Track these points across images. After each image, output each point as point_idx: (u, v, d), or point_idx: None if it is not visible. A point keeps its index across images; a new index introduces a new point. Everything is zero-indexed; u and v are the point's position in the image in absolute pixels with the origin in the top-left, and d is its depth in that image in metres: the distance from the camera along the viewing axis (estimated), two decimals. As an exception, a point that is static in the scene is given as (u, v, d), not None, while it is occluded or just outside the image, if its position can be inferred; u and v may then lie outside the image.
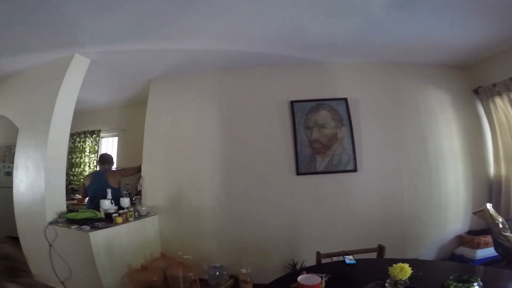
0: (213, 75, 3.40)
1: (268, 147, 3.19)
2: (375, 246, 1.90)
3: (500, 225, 2.09)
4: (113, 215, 2.78)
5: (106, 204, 2.91)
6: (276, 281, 1.49)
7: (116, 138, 4.93)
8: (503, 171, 3.09)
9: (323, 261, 1.79)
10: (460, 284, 1.09)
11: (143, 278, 2.52)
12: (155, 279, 2.55)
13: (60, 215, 2.69)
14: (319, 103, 3.20)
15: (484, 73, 3.28)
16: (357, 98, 3.22)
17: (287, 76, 3.30)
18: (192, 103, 3.43)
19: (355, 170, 3.09)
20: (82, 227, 2.50)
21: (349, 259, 1.64)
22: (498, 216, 2.14)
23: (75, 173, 4.99)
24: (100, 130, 4.92)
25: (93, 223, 2.57)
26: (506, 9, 2.20)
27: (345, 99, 3.19)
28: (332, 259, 1.78)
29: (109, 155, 3.96)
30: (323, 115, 3.18)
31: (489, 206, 2.19)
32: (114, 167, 3.84)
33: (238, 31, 2.50)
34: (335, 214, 3.06)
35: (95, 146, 4.90)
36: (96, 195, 3.30)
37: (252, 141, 3.22)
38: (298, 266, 2.89)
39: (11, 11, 2.01)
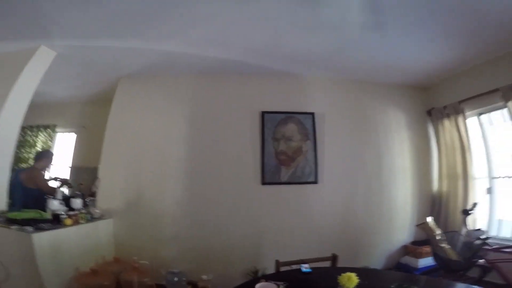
0: (186, 79, 3.36)
1: (237, 156, 3.21)
2: (330, 254, 2.00)
3: (438, 237, 2.31)
4: (62, 216, 2.59)
5: (55, 205, 2.70)
6: (236, 288, 1.49)
7: (74, 135, 4.59)
8: (444, 188, 3.43)
9: (282, 269, 1.83)
10: (400, 292, 1.20)
11: (93, 282, 2.38)
12: (106, 283, 2.41)
13: (1, 214, 2.45)
14: (288, 116, 3.30)
15: (437, 95, 3.61)
16: (324, 112, 3.38)
17: (261, 86, 3.37)
18: (161, 105, 3.35)
19: (315, 182, 3.23)
20: (25, 227, 2.29)
21: (305, 267, 1.70)
22: (437, 228, 2.37)
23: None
24: (56, 125, 4.56)
25: (38, 224, 2.38)
26: (465, 35, 2.46)
27: (313, 114, 3.34)
28: (291, 267, 1.83)
29: (46, 152, 3.61)
30: (291, 128, 3.29)
31: (429, 219, 2.42)
32: (49, 164, 3.37)
33: (217, 38, 2.52)
34: (296, 223, 3.16)
35: (48, 142, 4.53)
36: (11, 194, 2.89)
37: (220, 149, 3.22)
38: (260, 274, 2.91)
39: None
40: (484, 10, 2.10)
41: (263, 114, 3.27)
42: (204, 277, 2.36)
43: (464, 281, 2.01)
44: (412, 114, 3.67)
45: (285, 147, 3.24)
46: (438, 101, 3.56)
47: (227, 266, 3.03)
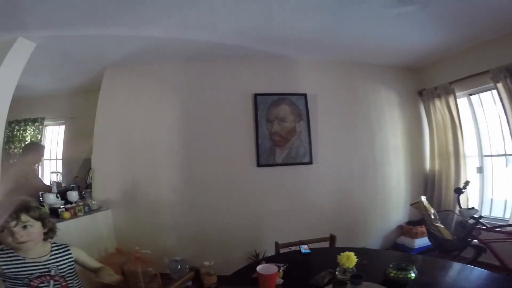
0: (175, 64, 3.28)
1: (231, 139, 3.20)
2: (327, 235, 2.05)
3: (432, 216, 2.34)
4: (59, 210, 2.58)
5: (51, 199, 2.69)
6: (238, 271, 1.53)
7: (63, 127, 4.50)
8: (436, 166, 3.51)
9: (282, 250, 1.87)
10: (399, 272, 1.24)
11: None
12: (111, 275, 2.44)
13: (-4, 211, 2.42)
14: (280, 97, 3.28)
15: (428, 76, 3.65)
16: (316, 94, 3.37)
17: (253, 69, 3.32)
18: (151, 92, 3.29)
19: (310, 162, 3.26)
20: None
21: (304, 249, 1.74)
22: (431, 207, 2.40)
23: (13, 164, 4.46)
24: (44, 118, 4.45)
25: (37, 220, 2.36)
26: (458, 18, 2.44)
27: (305, 95, 3.32)
28: (290, 248, 1.88)
29: (31, 144, 3.50)
30: (284, 109, 3.28)
31: (423, 198, 2.44)
32: (40, 157, 3.26)
33: (206, 21, 2.42)
34: (293, 205, 3.21)
35: (38, 135, 4.44)
36: None
37: (214, 133, 3.20)
38: (260, 256, 2.98)
39: None
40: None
41: (256, 96, 3.24)
42: (206, 263, 2.40)
43: (459, 261, 2.06)
44: (404, 95, 3.70)
45: (279, 128, 3.25)
46: (429, 82, 3.59)
47: (228, 250, 3.08)
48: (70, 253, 1.37)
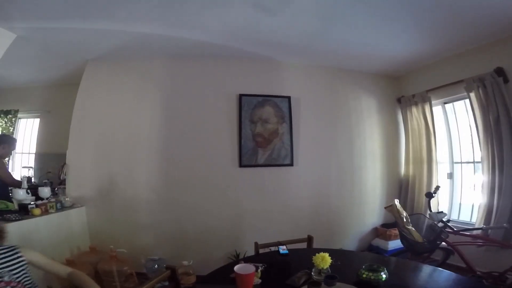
0: (160, 61, 3.23)
1: (214, 139, 3.19)
2: (306, 236, 2.09)
3: (404, 219, 2.43)
4: (30, 206, 2.47)
5: (21, 194, 2.57)
6: (216, 271, 1.53)
7: (37, 120, 4.30)
8: (410, 171, 3.66)
9: (261, 251, 1.89)
10: (370, 273, 1.29)
11: (69, 273, 2.31)
12: (84, 274, 2.36)
13: (-40, 206, 2.28)
14: (265, 99, 3.31)
15: (407, 84, 3.81)
16: (299, 97, 3.42)
17: (239, 69, 3.32)
18: (133, 88, 3.21)
19: (291, 164, 3.31)
20: (-10, 219, 2.17)
21: (282, 249, 1.77)
22: (403, 211, 2.49)
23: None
24: (18, 110, 4.23)
25: (4, 215, 2.27)
26: (437, 28, 2.56)
27: (289, 98, 3.37)
28: (270, 249, 1.90)
29: (3, 136, 3.35)
30: (268, 111, 3.30)
31: (396, 201, 2.52)
32: (11, 151, 3.07)
33: (194, 20, 2.41)
34: (273, 206, 3.24)
35: (10, 128, 4.21)
36: None
37: (197, 132, 3.18)
38: (241, 257, 2.98)
39: None
40: (456, 6, 2.19)
41: (241, 96, 3.25)
42: (185, 262, 2.36)
43: (429, 263, 2.15)
44: (383, 101, 3.83)
45: (262, 129, 3.27)
46: (408, 90, 3.75)
47: (208, 250, 3.07)
48: (20, 255, 1.26)
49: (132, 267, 2.44)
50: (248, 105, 3.26)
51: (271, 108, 3.32)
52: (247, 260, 1.64)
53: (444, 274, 1.47)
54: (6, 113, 4.22)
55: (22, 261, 1.26)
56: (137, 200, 3.08)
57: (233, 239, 3.13)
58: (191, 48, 3.01)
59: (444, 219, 2.42)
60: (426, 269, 1.61)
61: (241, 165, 3.19)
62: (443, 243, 2.37)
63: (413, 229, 2.39)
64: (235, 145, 3.21)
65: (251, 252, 2.76)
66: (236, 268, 1.26)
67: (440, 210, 2.61)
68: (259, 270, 1.40)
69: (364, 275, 1.29)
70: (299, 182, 3.33)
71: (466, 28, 2.55)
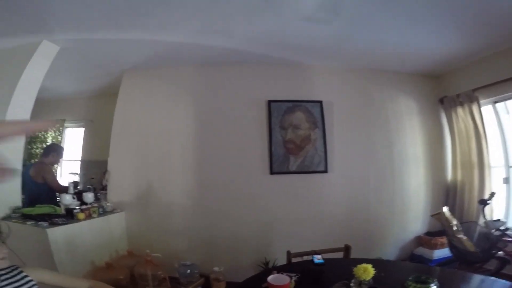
0: (190, 69, 3.32)
1: (244, 145, 3.18)
2: (342, 245, 1.97)
3: (454, 228, 2.25)
4: (75, 210, 2.62)
5: (67, 199, 2.74)
6: (248, 280, 1.49)
7: (82, 129, 4.64)
8: (459, 177, 3.35)
9: (294, 259, 1.82)
10: (418, 285, 1.16)
11: (108, 276, 2.41)
12: (121, 277, 2.45)
13: (15, 210, 2.49)
14: (295, 104, 3.24)
15: (450, 83, 3.52)
16: (332, 101, 3.31)
17: (266, 75, 3.31)
18: (167, 97, 3.33)
19: (325, 171, 3.18)
20: (39, 223, 2.34)
21: (317, 259, 1.68)
22: (453, 219, 2.30)
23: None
24: (65, 120, 4.61)
25: (52, 219, 2.42)
26: (478, 24, 2.36)
27: (321, 102, 3.27)
28: (302, 258, 1.82)
29: (53, 145, 3.58)
30: (298, 116, 3.23)
31: (445, 209, 2.35)
32: (59, 159, 3.32)
33: (221, 28, 2.46)
34: (306, 214, 3.13)
35: (58, 137, 4.59)
36: (23, 189, 2.87)
37: (227, 138, 3.19)
38: (270, 264, 2.92)
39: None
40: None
41: (270, 102, 3.22)
42: (216, 268, 2.35)
43: (481, 273, 1.95)
44: (423, 103, 3.58)
45: (293, 136, 3.19)
46: (451, 90, 3.46)
47: (238, 257, 3.04)
48: (25, 275, 1.10)
49: (166, 271, 2.48)
50: (277, 111, 3.21)
51: (302, 113, 3.24)
52: (279, 269, 1.57)
53: (499, 284, 1.32)
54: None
55: (29, 281, 1.10)
56: (172, 206, 3.15)
57: (263, 247, 3.07)
58: (218, 55, 3.06)
59: (502, 228, 2.20)
60: (478, 278, 1.45)
61: (272, 172, 3.13)
62: (499, 252, 2.15)
63: (465, 237, 2.20)
64: (265, 152, 3.17)
65: (281, 260, 2.70)
66: (269, 278, 1.21)
67: (496, 218, 2.38)
68: (292, 280, 1.33)
69: (411, 287, 1.17)
70: (334, 189, 3.20)
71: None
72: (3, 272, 1.04)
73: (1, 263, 0.96)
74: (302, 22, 2.33)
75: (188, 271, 2.42)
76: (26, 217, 2.43)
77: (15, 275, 1.07)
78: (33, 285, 1.10)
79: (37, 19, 2.24)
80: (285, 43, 2.77)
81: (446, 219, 2.30)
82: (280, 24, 2.39)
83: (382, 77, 3.49)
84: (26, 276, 1.09)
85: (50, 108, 4.58)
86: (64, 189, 2.98)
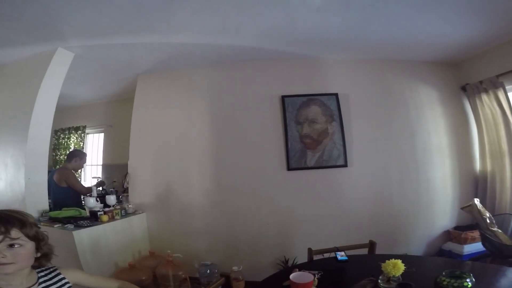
0: (203, 69, 3.33)
1: (259, 142, 3.15)
2: (365, 241, 1.90)
3: (488, 220, 2.13)
4: (99, 213, 2.69)
5: (91, 202, 2.82)
6: (268, 278, 1.46)
7: (102, 134, 4.79)
8: (488, 167, 3.16)
9: (315, 257, 1.77)
10: (453, 280, 1.09)
11: (132, 277, 2.45)
12: (144, 278, 2.49)
13: (43, 213, 2.59)
14: (310, 98, 3.17)
15: (471, 70, 3.34)
16: (348, 93, 3.22)
17: (279, 71, 3.26)
18: (181, 98, 3.35)
19: (345, 165, 3.09)
20: (66, 225, 2.42)
21: (341, 255, 1.62)
22: (486, 211, 2.17)
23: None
24: (86, 126, 4.77)
25: (77, 222, 2.49)
26: (497, 7, 2.22)
27: (336, 94, 3.18)
28: (323, 255, 1.77)
29: (75, 151, 3.70)
30: (314, 110, 3.16)
31: (476, 201, 2.22)
32: (82, 164, 3.43)
33: (229, 25, 2.44)
34: (326, 210, 3.06)
35: (80, 143, 4.76)
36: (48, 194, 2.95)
37: (243, 137, 3.17)
38: (290, 263, 2.88)
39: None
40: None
41: (283, 98, 3.16)
42: (235, 268, 2.35)
43: None
44: (445, 91, 3.40)
45: (310, 130, 3.12)
46: (473, 76, 3.27)
47: (257, 256, 3.02)
48: (62, 277, 1.08)
49: (186, 271, 2.50)
50: (292, 106, 3.16)
51: (318, 107, 3.16)
52: (301, 267, 1.53)
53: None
54: (77, 129, 4.79)
55: (66, 283, 1.08)
56: (191, 206, 3.17)
57: (282, 245, 3.03)
58: (229, 54, 3.04)
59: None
60: None
61: (289, 168, 3.08)
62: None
63: (499, 230, 2.07)
64: (282, 148, 3.12)
65: (300, 258, 2.64)
66: (292, 276, 1.17)
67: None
68: (315, 278, 1.29)
69: (445, 282, 1.09)
70: (355, 183, 3.10)
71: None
72: (41, 274, 1.04)
73: (11, 268, 0.91)
74: (313, 14, 2.26)
75: (208, 271, 2.43)
76: (53, 220, 2.52)
77: (53, 277, 1.06)
78: (69, 287, 1.09)
79: (51, 27, 2.29)
80: (295, 37, 2.71)
81: (478, 212, 2.16)
82: (289, 19, 2.34)
83: (399, 66, 3.35)
84: (63, 278, 1.08)
85: (70, 115, 4.77)
86: (88, 191, 3.08)
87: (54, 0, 1.91)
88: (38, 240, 1.00)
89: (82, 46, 2.66)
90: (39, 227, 1.03)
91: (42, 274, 1.04)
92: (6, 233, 0.90)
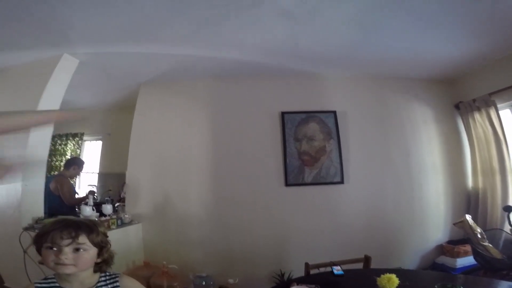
0: (204, 82, 3.39)
1: (258, 157, 3.19)
2: (360, 256, 1.93)
3: (479, 235, 2.19)
4: (94, 222, 2.67)
5: (87, 211, 2.80)
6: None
7: (99, 142, 4.77)
8: (480, 184, 3.24)
9: (311, 271, 1.79)
10: (445, 293, 1.13)
11: None
12: (137, 288, 2.46)
13: (37, 220, 2.56)
14: (309, 115, 3.24)
15: (465, 88, 3.44)
16: (346, 111, 3.29)
17: (279, 87, 3.33)
18: (182, 110, 3.39)
19: (342, 182, 3.14)
20: (61, 234, 2.39)
21: (337, 270, 1.65)
22: (477, 227, 2.23)
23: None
24: (83, 133, 4.75)
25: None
26: (490, 26, 2.33)
27: (334, 112, 3.26)
28: (319, 269, 1.79)
29: (74, 158, 3.69)
30: (312, 128, 3.22)
31: (468, 217, 2.28)
32: (79, 172, 3.47)
33: (232, 40, 2.51)
34: (322, 225, 3.09)
35: (77, 150, 4.73)
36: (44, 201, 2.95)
37: (242, 151, 3.21)
38: (285, 277, 2.87)
39: (4, 7, 1.93)
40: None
41: (283, 114, 3.23)
42: (231, 280, 2.36)
43: (509, 280, 1.88)
44: (439, 109, 3.51)
45: (308, 147, 3.18)
46: (466, 94, 3.38)
47: (253, 269, 3.00)
48: (117, 285, 1.09)
49: (181, 282, 2.49)
50: (291, 122, 3.22)
51: (316, 124, 3.23)
52: (298, 281, 1.55)
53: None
54: (74, 136, 4.75)
55: None
56: (188, 218, 3.16)
57: (278, 258, 3.02)
58: (231, 68, 3.11)
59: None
60: (504, 285, 1.42)
61: (287, 184, 3.12)
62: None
63: (490, 245, 2.14)
64: (280, 164, 3.16)
65: (296, 272, 2.64)
66: (290, 288, 1.19)
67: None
68: (313, 291, 1.31)
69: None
70: (351, 200, 3.15)
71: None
72: (103, 278, 1.08)
73: (69, 269, 0.97)
74: (316, 31, 2.35)
75: (203, 283, 2.43)
76: (47, 228, 2.49)
77: (110, 283, 1.09)
78: None
79: (59, 32, 2.30)
80: (297, 53, 2.79)
81: (470, 227, 2.23)
82: (291, 35, 2.42)
83: (395, 84, 3.46)
84: (117, 286, 1.09)
85: (68, 122, 4.72)
86: (77, 203, 3.04)
87: (63, 3, 1.92)
88: (101, 247, 1.06)
89: (87, 53, 2.67)
90: (107, 236, 1.10)
91: (103, 279, 1.09)
92: (75, 238, 0.98)
